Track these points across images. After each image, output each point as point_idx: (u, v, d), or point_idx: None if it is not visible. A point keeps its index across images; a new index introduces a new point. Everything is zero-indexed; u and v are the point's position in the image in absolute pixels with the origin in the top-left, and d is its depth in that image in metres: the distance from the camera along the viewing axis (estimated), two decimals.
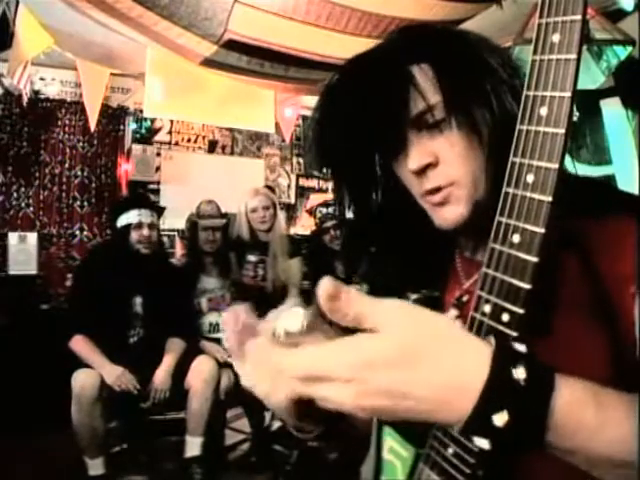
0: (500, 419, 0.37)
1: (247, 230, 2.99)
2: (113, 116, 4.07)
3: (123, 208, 2.58)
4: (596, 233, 0.56)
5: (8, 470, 2.40)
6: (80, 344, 2.36)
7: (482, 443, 0.38)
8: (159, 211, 2.73)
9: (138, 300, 2.51)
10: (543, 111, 0.42)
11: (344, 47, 2.56)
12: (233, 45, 2.52)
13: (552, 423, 0.38)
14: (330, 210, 3.14)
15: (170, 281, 2.61)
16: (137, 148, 4.25)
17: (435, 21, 2.35)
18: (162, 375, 2.40)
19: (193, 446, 2.38)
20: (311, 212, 3.33)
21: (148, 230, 2.50)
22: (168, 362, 2.44)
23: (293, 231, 4.65)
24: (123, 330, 2.47)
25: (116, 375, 2.27)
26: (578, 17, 0.41)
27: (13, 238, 3.46)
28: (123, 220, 2.52)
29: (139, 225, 2.50)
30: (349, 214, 0.71)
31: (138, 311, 2.51)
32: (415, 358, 0.38)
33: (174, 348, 2.52)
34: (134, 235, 2.49)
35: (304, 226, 4.88)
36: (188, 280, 2.81)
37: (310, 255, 3.41)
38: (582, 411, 0.39)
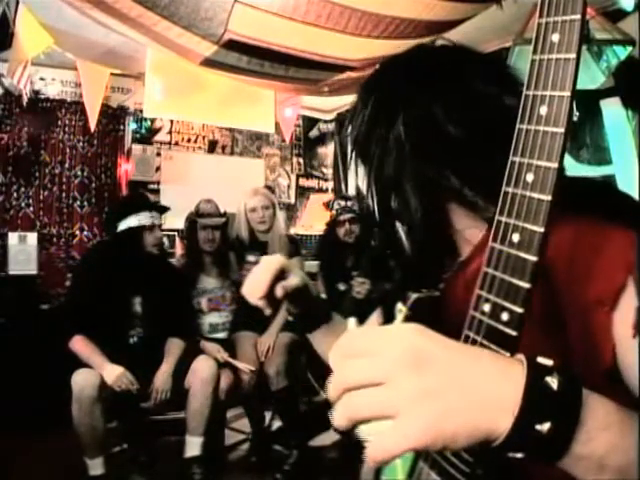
0: (543, 426, 0.37)
1: (246, 230, 3.00)
2: (113, 116, 4.07)
3: (132, 209, 2.54)
4: (567, 238, 0.54)
5: (8, 470, 2.40)
6: (80, 344, 2.36)
7: (519, 455, 0.39)
8: (162, 212, 2.74)
9: (137, 300, 2.52)
10: (543, 110, 0.42)
11: (344, 47, 2.56)
12: (233, 45, 2.52)
13: (586, 425, 0.38)
14: (348, 204, 3.16)
15: (169, 281, 2.62)
16: (137, 148, 4.25)
17: (435, 21, 2.35)
18: (162, 377, 2.40)
19: (193, 446, 2.38)
20: (328, 205, 3.37)
21: (159, 232, 2.54)
22: (168, 363, 2.45)
23: (293, 231, 4.65)
24: (123, 330, 2.47)
25: (116, 375, 2.27)
26: (578, 17, 0.41)
27: (13, 238, 3.45)
28: (133, 221, 2.48)
29: (152, 227, 2.51)
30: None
31: (137, 311, 2.51)
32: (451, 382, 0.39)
33: (174, 349, 2.52)
34: (149, 238, 2.50)
35: (304, 226, 4.88)
36: (187, 280, 2.81)
37: (322, 247, 3.48)
38: (611, 408, 0.40)
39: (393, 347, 0.40)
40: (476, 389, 0.38)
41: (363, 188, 0.72)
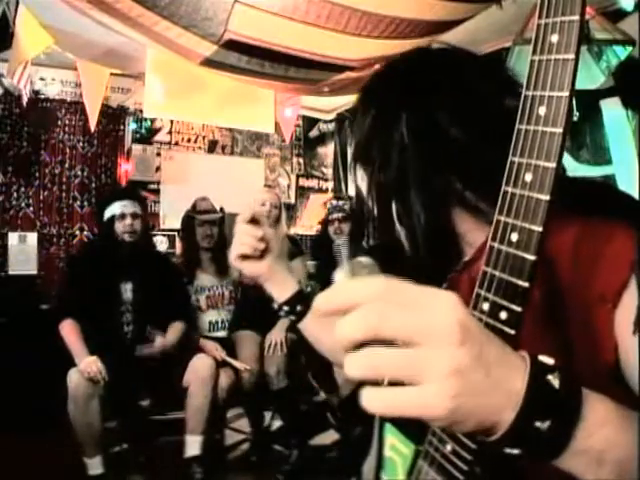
0: (543, 424, 0.37)
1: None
2: (113, 116, 4.07)
3: (107, 202, 2.65)
4: (568, 236, 0.55)
5: (7, 470, 2.40)
6: (67, 329, 2.39)
7: (515, 451, 0.39)
8: (143, 201, 2.78)
9: (128, 287, 2.55)
10: (542, 111, 0.43)
11: (344, 47, 2.56)
12: (233, 45, 2.52)
13: (585, 421, 0.38)
14: (340, 203, 3.20)
15: (159, 268, 2.67)
16: (137, 148, 4.25)
17: (435, 21, 2.35)
18: (161, 341, 2.50)
19: (193, 445, 2.38)
20: (326, 204, 3.46)
21: (131, 219, 2.57)
22: (168, 337, 2.54)
23: (293, 231, 4.65)
24: (116, 319, 2.51)
25: (86, 362, 2.27)
26: (576, 17, 0.41)
27: (13, 238, 3.46)
28: (108, 213, 2.59)
29: (122, 216, 2.57)
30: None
31: (128, 298, 2.55)
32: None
33: (174, 330, 2.59)
34: (118, 225, 2.56)
35: (304, 226, 4.88)
36: (180, 270, 2.87)
37: (316, 246, 3.52)
38: (610, 406, 0.40)
39: (442, 315, 0.37)
40: (497, 376, 0.38)
41: (364, 192, 0.72)
